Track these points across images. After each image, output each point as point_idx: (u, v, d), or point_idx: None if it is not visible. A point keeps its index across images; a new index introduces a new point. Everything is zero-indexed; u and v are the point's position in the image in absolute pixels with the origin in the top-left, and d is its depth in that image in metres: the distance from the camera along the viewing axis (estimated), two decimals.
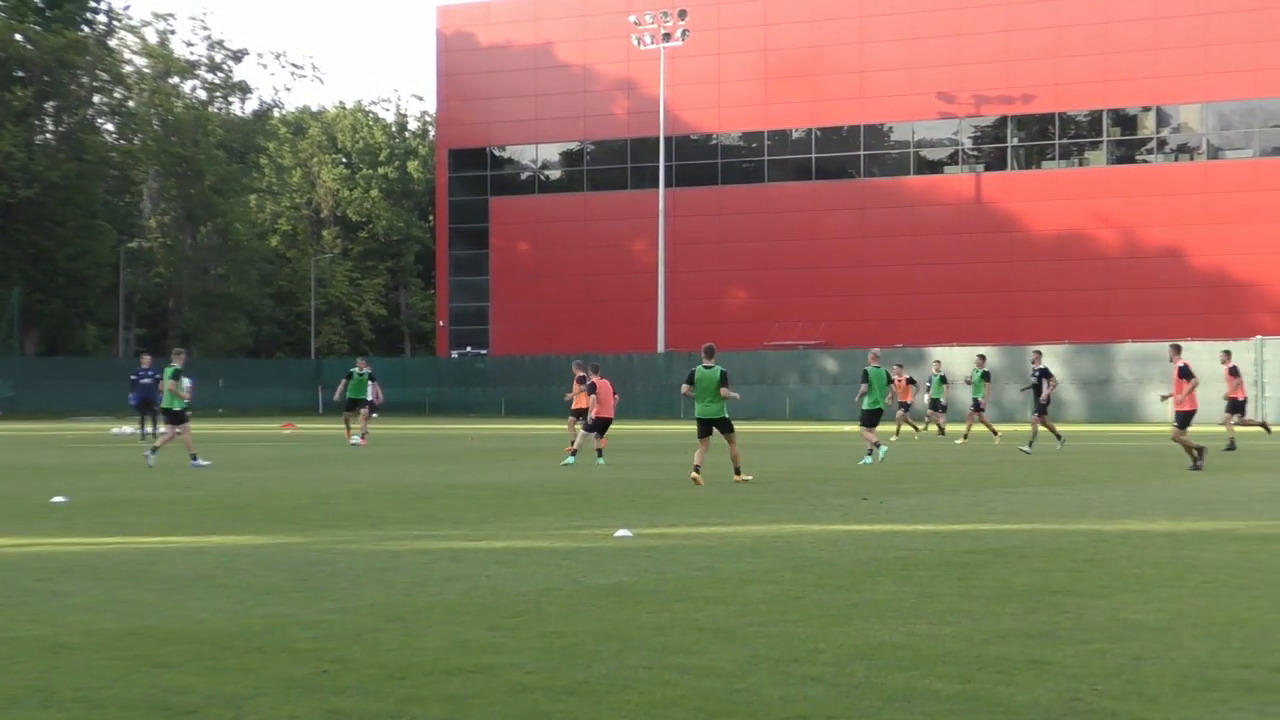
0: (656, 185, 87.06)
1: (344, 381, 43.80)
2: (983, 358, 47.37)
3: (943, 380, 51.39)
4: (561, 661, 9.88)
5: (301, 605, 12.43)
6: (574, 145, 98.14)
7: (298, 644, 10.58)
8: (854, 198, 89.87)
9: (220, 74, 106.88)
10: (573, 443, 35.37)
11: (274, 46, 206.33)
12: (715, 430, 26.97)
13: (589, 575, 14.27)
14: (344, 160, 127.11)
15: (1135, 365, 73.40)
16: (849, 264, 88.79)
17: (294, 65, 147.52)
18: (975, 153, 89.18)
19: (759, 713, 8.44)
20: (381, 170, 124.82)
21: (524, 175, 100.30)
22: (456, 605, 12.38)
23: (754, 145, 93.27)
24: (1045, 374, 40.18)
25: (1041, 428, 39.76)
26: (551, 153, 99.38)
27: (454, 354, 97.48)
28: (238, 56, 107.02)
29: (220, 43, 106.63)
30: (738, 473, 26.84)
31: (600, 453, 34.21)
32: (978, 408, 45.27)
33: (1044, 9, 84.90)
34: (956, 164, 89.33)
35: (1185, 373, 31.64)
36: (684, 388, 27.60)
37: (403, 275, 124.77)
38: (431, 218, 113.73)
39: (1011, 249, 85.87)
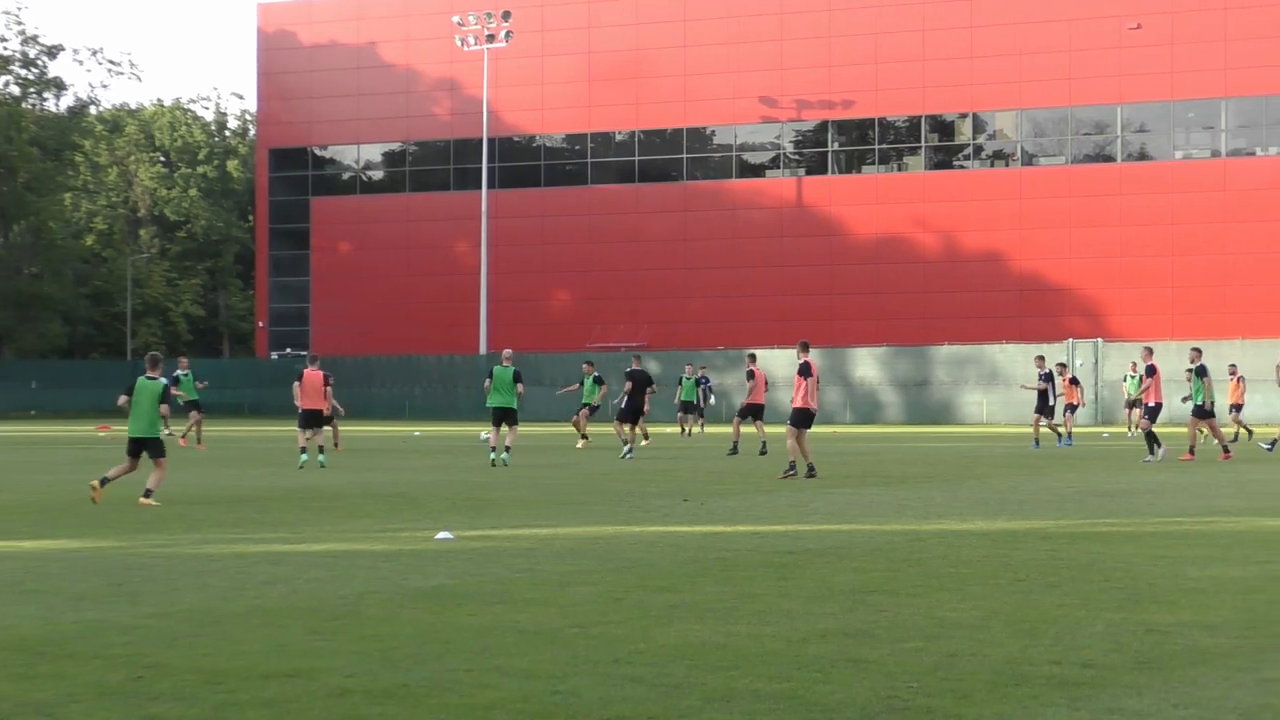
0: (479, 186, 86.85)
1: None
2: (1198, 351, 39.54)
3: (696, 383, 51.42)
4: (381, 665, 9.82)
5: (116, 610, 12.23)
6: (396, 146, 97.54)
7: (111, 650, 10.41)
8: (677, 200, 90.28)
9: (34, 70, 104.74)
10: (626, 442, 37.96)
11: (90, 42, 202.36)
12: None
13: (409, 578, 14.21)
14: (162, 159, 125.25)
15: (952, 367, 74.66)
16: (672, 266, 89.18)
17: (111, 62, 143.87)
18: (797, 157, 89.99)
19: (580, 714, 8.45)
20: (200, 169, 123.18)
21: (346, 175, 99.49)
22: (275, 609, 12.26)
23: (577, 147, 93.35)
24: (1050, 378, 41.49)
25: (1045, 429, 41.04)
26: (374, 153, 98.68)
27: (274, 355, 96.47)
28: (52, 52, 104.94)
29: (34, 38, 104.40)
30: (507, 449, 32.73)
31: (764, 445, 37.84)
32: (1202, 414, 36.32)
33: (864, 16, 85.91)
34: (778, 168, 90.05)
35: (1151, 370, 33.31)
36: (486, 382, 33.82)
37: (222, 276, 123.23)
38: (251, 218, 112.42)
39: (832, 252, 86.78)
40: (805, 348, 29.81)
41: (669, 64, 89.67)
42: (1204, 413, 34.47)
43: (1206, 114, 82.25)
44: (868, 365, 77.08)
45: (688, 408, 51.02)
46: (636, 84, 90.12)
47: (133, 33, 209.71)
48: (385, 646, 10.46)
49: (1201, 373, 34.41)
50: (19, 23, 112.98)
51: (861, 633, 10.94)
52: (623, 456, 35.64)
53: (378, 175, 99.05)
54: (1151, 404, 34.06)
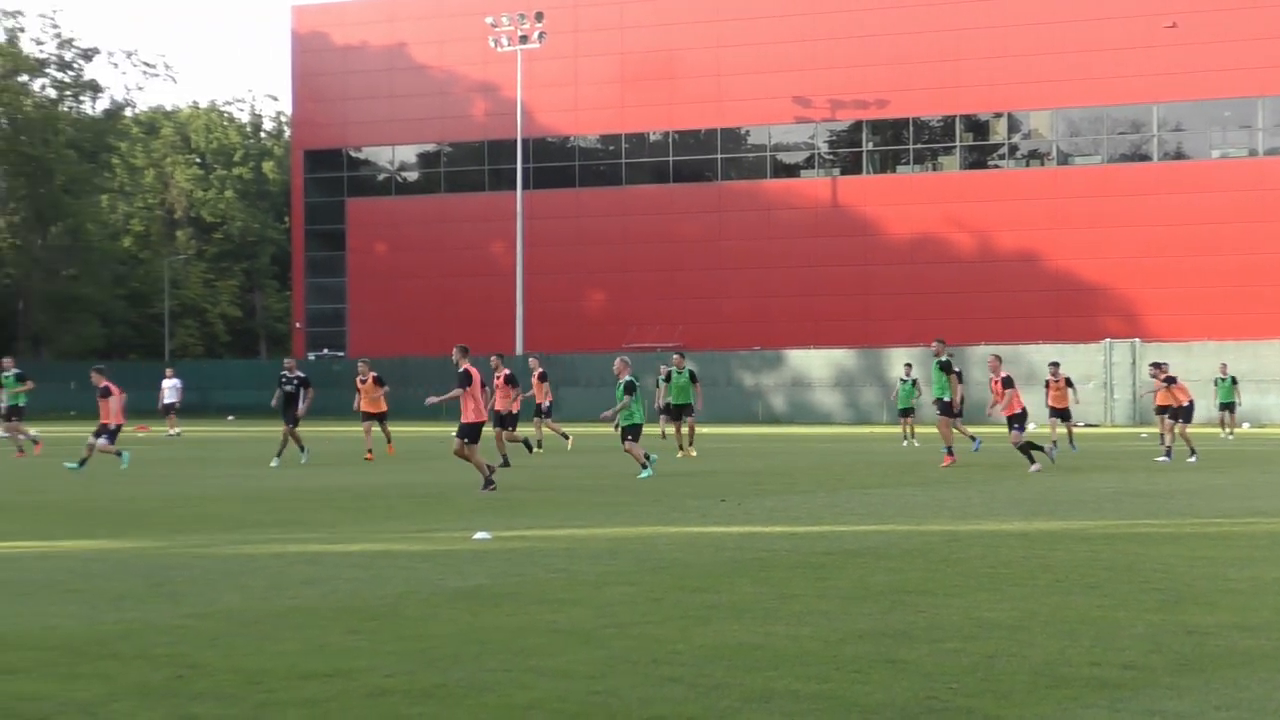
0: (514, 187, 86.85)
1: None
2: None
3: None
4: (420, 665, 9.85)
5: (156, 610, 12.29)
6: (431, 147, 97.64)
7: (153, 649, 10.46)
8: (711, 201, 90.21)
9: (70, 72, 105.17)
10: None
11: (125, 45, 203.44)
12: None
13: (447, 578, 14.24)
14: (198, 161, 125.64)
15: (987, 367, 74.32)
16: (706, 266, 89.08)
17: (146, 64, 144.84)
18: (831, 156, 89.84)
19: (618, 714, 8.46)
20: (236, 171, 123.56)
21: (381, 177, 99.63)
22: (314, 609, 12.30)
23: (611, 148, 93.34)
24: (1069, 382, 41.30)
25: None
26: (408, 154, 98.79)
27: (311, 356, 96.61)
28: (88, 55, 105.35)
29: (70, 41, 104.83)
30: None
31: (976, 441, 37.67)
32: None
33: (898, 16, 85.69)
34: (813, 168, 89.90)
35: (1009, 382, 32.30)
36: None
37: (258, 277, 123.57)
38: (287, 219, 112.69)
39: (866, 252, 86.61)
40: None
41: (702, 64, 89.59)
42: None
43: (1243, 113, 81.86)
44: (902, 366, 76.70)
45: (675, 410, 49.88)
46: (670, 84, 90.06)
47: (168, 36, 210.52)
48: (423, 646, 10.49)
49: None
50: (55, 26, 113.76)
51: (900, 633, 10.92)
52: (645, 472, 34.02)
53: (412, 176, 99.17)
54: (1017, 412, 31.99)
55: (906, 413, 45.24)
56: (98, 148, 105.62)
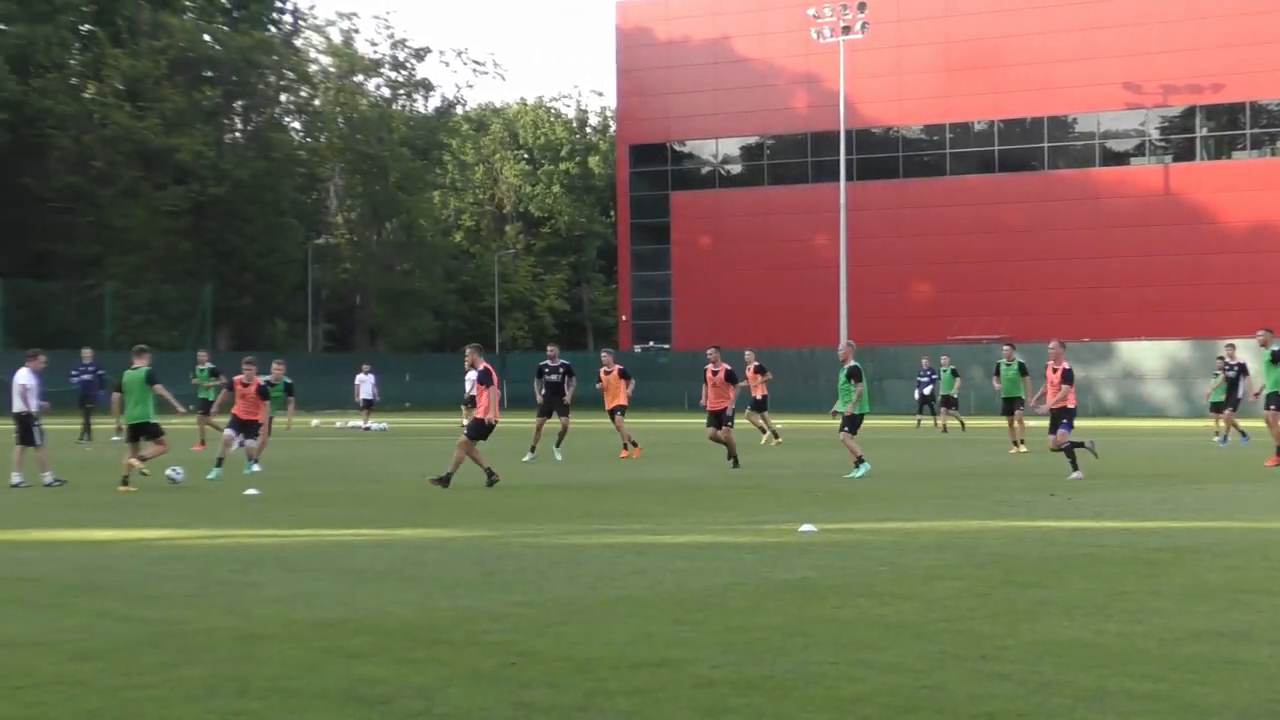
0: (837, 179, 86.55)
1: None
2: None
3: (954, 374, 49.15)
4: (746, 656, 9.88)
5: (488, 598, 12.55)
6: (753, 139, 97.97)
7: (485, 636, 10.69)
8: (1038, 190, 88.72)
9: (403, 72, 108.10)
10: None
11: (456, 44, 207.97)
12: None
13: (773, 570, 14.27)
14: (526, 156, 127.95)
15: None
16: (1032, 256, 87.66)
17: (475, 63, 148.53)
18: (1163, 143, 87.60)
19: (947, 709, 8.38)
20: (563, 166, 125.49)
21: (704, 170, 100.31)
22: (641, 599, 12.44)
23: (935, 138, 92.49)
24: (1243, 369, 39.55)
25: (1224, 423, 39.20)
26: (731, 147, 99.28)
27: (637, 348, 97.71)
28: (420, 55, 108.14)
29: (403, 41, 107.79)
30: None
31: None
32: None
33: None
34: (1143, 155, 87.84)
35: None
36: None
37: (585, 270, 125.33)
38: (613, 213, 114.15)
39: (1202, 241, 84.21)
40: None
41: (1027, 51, 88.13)
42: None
43: None
44: (1242, 358, 74.45)
45: (948, 401, 49.14)
46: (995, 72, 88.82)
47: (496, 34, 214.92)
48: (750, 638, 10.52)
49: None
50: (388, 27, 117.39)
51: (1239, 633, 10.61)
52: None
53: (735, 169, 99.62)
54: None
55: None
56: (430, 145, 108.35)
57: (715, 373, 32.92)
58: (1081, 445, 26.62)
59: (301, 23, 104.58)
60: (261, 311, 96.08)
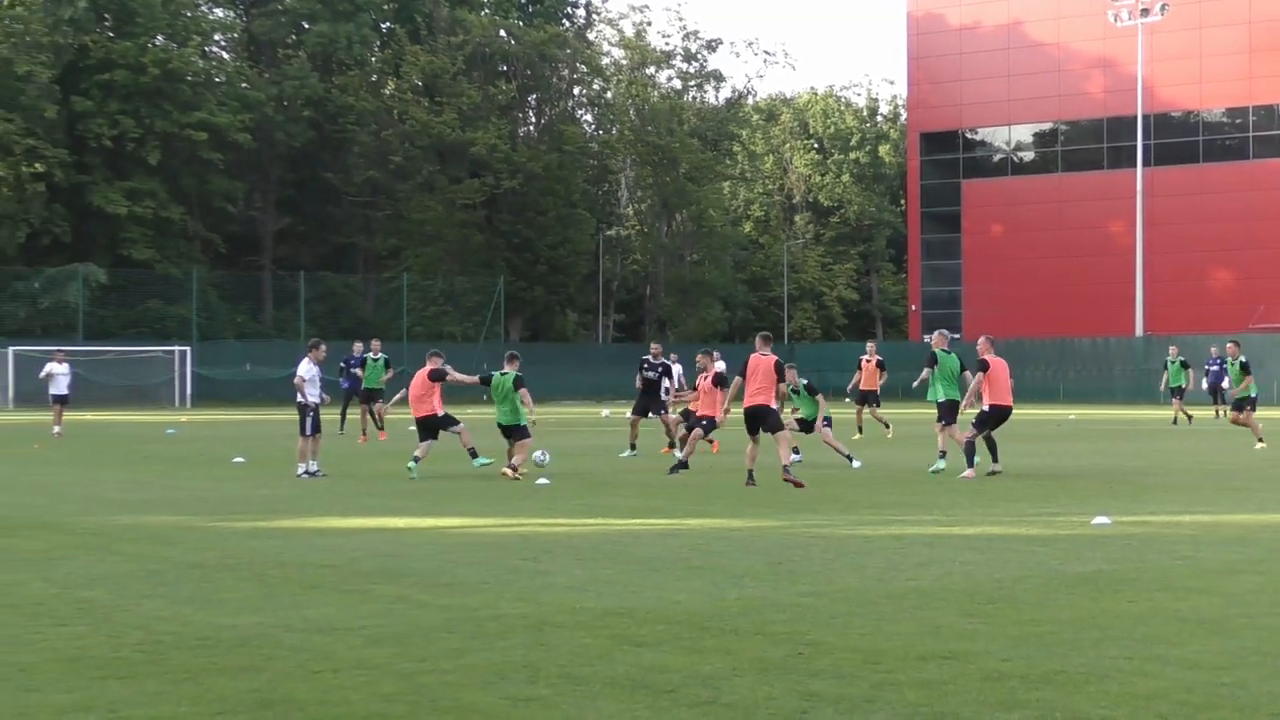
0: (1133, 165, 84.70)
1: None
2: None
3: (1182, 365, 47.47)
4: (1037, 650, 9.73)
5: (775, 588, 12.56)
6: (1047, 126, 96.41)
7: (772, 626, 10.69)
8: None
9: (694, 63, 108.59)
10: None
11: (747, 35, 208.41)
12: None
13: (1065, 563, 14.02)
14: (816, 146, 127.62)
15: None
16: None
17: (766, 53, 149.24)
18: None
19: (1248, 708, 8.14)
20: (853, 155, 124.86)
21: (996, 157, 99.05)
22: (929, 591, 12.32)
23: (1238, 121, 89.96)
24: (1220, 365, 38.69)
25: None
26: (1024, 134, 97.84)
27: (926, 338, 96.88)
28: (712, 46, 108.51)
29: (695, 33, 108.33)
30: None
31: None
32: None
33: None
34: None
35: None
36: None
37: (874, 260, 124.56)
38: (903, 202, 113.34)
39: None
40: None
41: None
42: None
43: None
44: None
45: (1177, 392, 47.58)
46: None
47: (787, 23, 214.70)
48: (1041, 631, 10.36)
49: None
50: (680, 19, 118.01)
51: None
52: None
53: (1028, 156, 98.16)
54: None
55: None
56: (720, 136, 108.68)
57: (868, 361, 36.35)
58: None
59: (595, 16, 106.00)
60: (552, 302, 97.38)
